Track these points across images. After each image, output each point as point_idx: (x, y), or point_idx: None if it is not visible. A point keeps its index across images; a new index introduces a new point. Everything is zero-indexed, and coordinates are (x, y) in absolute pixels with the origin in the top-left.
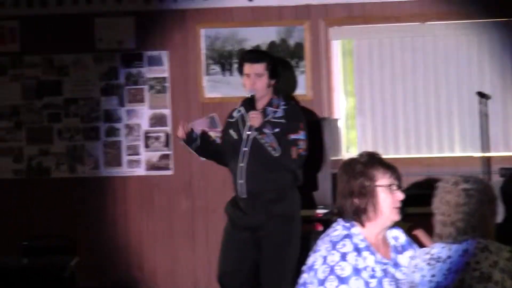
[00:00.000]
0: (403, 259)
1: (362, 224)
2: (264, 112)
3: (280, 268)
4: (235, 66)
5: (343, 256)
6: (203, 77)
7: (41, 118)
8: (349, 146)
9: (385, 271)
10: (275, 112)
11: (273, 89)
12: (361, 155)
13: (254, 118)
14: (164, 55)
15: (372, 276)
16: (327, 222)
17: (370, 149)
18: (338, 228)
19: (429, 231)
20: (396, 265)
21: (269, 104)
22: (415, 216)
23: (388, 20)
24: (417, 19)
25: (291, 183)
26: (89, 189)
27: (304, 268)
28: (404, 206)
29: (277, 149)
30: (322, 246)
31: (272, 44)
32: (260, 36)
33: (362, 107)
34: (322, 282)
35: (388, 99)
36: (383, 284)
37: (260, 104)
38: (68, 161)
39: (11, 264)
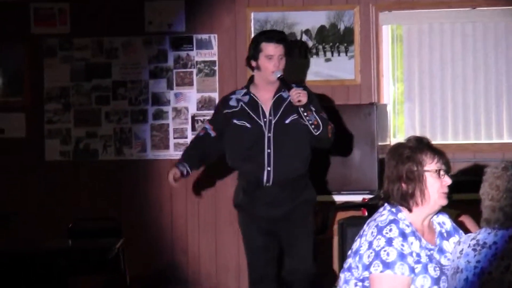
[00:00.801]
0: (449, 245)
1: (409, 209)
2: (280, 96)
3: (308, 252)
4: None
5: (389, 241)
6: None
7: (89, 100)
8: (396, 132)
9: (430, 257)
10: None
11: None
12: (409, 139)
13: (302, 95)
14: (213, 38)
15: (417, 262)
16: (373, 207)
17: (417, 134)
18: (385, 213)
19: (476, 218)
20: (441, 251)
21: (281, 89)
22: (462, 202)
23: (438, 6)
24: (467, 4)
25: (308, 169)
26: (136, 172)
27: (349, 252)
28: (451, 192)
29: (320, 126)
30: (368, 231)
31: (321, 28)
32: (310, 20)
33: (410, 93)
34: (367, 267)
35: (436, 85)
36: (428, 269)
37: (272, 88)
38: (116, 143)
39: (57, 246)
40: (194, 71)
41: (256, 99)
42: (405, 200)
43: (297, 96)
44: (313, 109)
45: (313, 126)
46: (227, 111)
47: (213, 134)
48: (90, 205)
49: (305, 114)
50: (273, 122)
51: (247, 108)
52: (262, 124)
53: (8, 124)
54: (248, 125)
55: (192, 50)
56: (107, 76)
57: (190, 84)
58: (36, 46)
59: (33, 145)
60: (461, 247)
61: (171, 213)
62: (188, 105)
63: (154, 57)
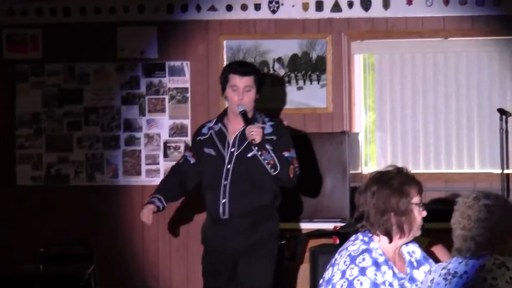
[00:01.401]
0: (419, 274)
1: (390, 240)
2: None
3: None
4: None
5: (362, 271)
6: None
7: (61, 126)
8: (368, 160)
9: (401, 286)
10: (262, 128)
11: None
12: (395, 170)
13: (255, 133)
14: (186, 65)
15: None
16: (344, 235)
17: (388, 163)
18: (357, 243)
19: (447, 246)
20: (412, 279)
21: (254, 120)
22: (434, 231)
23: (411, 36)
24: (439, 34)
25: (273, 201)
26: (108, 197)
27: (321, 281)
28: (423, 221)
29: (277, 166)
30: (340, 260)
31: (294, 56)
32: (282, 48)
33: (382, 122)
34: None
35: (408, 114)
36: None
37: (241, 120)
38: (87, 169)
39: (28, 271)
40: (167, 97)
41: (224, 130)
42: (391, 232)
43: (251, 134)
44: (269, 148)
45: (269, 166)
46: (199, 138)
47: (192, 160)
48: (62, 230)
49: (260, 153)
50: (234, 154)
51: (215, 137)
52: (225, 154)
53: None
54: (213, 153)
55: (165, 76)
56: (79, 102)
57: (162, 110)
58: (8, 71)
59: (5, 170)
60: (432, 276)
61: (143, 239)
62: (160, 131)
63: (126, 83)
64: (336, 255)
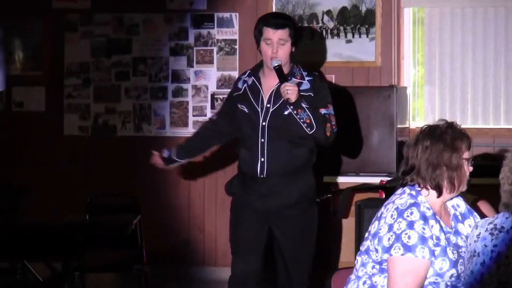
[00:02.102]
0: (464, 227)
1: (440, 195)
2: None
3: (301, 258)
4: (306, 31)
5: (410, 224)
6: None
7: (109, 76)
8: (415, 115)
9: (448, 240)
10: (300, 84)
11: (291, 58)
12: (446, 125)
13: (291, 92)
14: (235, 17)
15: (437, 245)
16: (391, 190)
17: (436, 118)
18: (404, 197)
19: (493, 203)
20: (457, 233)
21: (291, 74)
22: (480, 187)
23: None
24: None
25: (310, 160)
26: (155, 148)
27: (366, 235)
28: (470, 177)
29: (313, 125)
30: (387, 214)
31: (343, 9)
32: (331, 1)
33: (430, 76)
34: (387, 249)
35: (457, 68)
36: (447, 252)
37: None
38: (135, 120)
39: (74, 221)
40: (215, 49)
41: (258, 84)
42: (441, 186)
43: (286, 93)
44: (305, 106)
45: (305, 125)
46: (236, 93)
47: (214, 117)
48: (108, 181)
49: (295, 112)
50: (270, 110)
51: (248, 92)
52: (259, 110)
53: (28, 97)
54: (246, 110)
55: (213, 28)
56: (128, 52)
57: (210, 62)
58: (57, 21)
59: (52, 119)
60: (478, 231)
61: (189, 191)
62: (208, 83)
63: (175, 34)
64: (382, 208)
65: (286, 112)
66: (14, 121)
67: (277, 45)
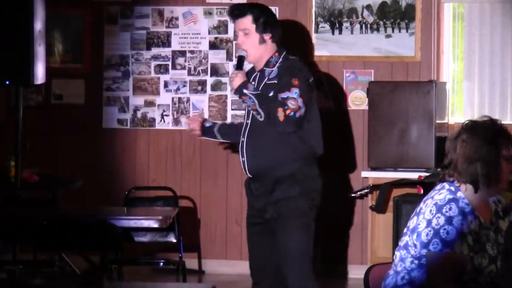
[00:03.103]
0: (504, 224)
1: (476, 190)
2: (263, 74)
3: (286, 257)
4: (345, 25)
5: (449, 220)
6: (312, 35)
7: (149, 69)
8: (454, 110)
9: (487, 236)
10: (271, 72)
11: (274, 46)
12: (489, 121)
13: (232, 79)
14: (275, 10)
15: (476, 241)
16: (429, 185)
17: (476, 114)
18: (443, 192)
19: None
20: (497, 229)
21: (267, 64)
22: None
23: None
24: None
25: (298, 157)
26: (193, 142)
27: (405, 230)
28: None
29: (260, 112)
30: (425, 209)
31: (383, 4)
32: None
33: (470, 72)
34: (425, 245)
35: (497, 64)
36: (486, 248)
37: (259, 65)
38: (173, 113)
39: (114, 212)
40: None
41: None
42: (477, 181)
43: (231, 80)
44: (252, 92)
45: (255, 112)
46: None
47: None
48: (146, 174)
49: (241, 100)
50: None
51: None
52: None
53: (67, 90)
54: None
55: None
56: (167, 45)
57: None
58: (97, 13)
59: (92, 111)
60: None
61: (226, 184)
62: None
63: (214, 27)
64: (421, 204)
65: None
66: (53, 114)
67: (241, 35)
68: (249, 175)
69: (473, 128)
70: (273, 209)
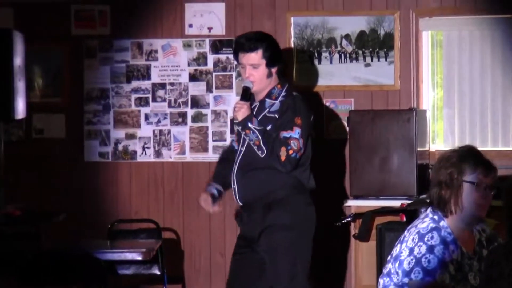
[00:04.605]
0: None
1: (445, 216)
2: (263, 105)
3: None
4: (324, 55)
5: (430, 249)
6: (293, 65)
7: (129, 102)
8: (435, 137)
9: (470, 266)
10: (272, 105)
11: (277, 77)
12: (462, 147)
13: (238, 110)
14: None
15: (458, 270)
16: (411, 213)
17: (456, 141)
18: (426, 220)
19: None
20: (481, 259)
21: (268, 95)
22: (501, 209)
23: (479, 13)
24: (508, 12)
25: (292, 188)
26: (175, 174)
27: (389, 258)
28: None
29: (263, 148)
30: (408, 237)
31: (362, 33)
32: (350, 25)
33: (449, 99)
34: (407, 273)
35: (476, 91)
36: (468, 278)
37: (261, 95)
38: (155, 145)
39: (97, 246)
40: (234, 74)
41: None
42: (441, 206)
43: (235, 111)
44: (257, 127)
45: (256, 147)
46: None
47: (235, 146)
48: (129, 206)
49: (244, 133)
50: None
51: None
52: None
53: (48, 124)
54: (235, 139)
55: (232, 53)
56: (147, 78)
57: (229, 87)
58: (77, 48)
59: (73, 145)
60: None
61: (209, 215)
62: (227, 108)
63: (193, 59)
64: (405, 232)
65: None
66: (34, 148)
67: (249, 69)
68: (240, 203)
69: (444, 154)
70: (264, 239)
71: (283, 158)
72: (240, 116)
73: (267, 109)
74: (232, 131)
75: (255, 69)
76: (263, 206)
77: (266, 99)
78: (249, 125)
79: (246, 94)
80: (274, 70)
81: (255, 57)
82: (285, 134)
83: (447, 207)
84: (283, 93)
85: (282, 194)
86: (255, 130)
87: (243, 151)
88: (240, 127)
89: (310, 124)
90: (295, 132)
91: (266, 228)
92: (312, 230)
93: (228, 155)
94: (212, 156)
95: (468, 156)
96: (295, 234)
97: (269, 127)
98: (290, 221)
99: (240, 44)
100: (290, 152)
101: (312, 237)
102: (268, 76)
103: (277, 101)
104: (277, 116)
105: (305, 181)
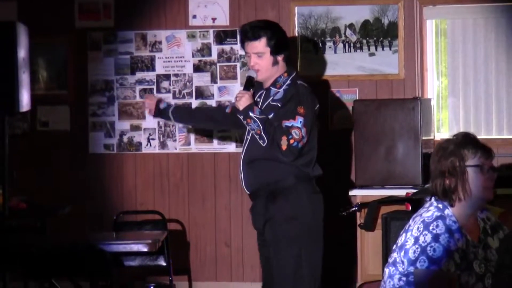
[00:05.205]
0: (493, 241)
1: (452, 204)
2: (268, 93)
3: (278, 277)
4: (328, 44)
5: (436, 237)
6: (297, 55)
7: (134, 93)
8: (440, 126)
9: (475, 254)
10: (276, 93)
11: (284, 65)
12: (456, 135)
13: (239, 99)
14: None
15: (463, 258)
16: (417, 202)
17: (461, 129)
18: (431, 209)
19: None
20: (486, 247)
21: (274, 83)
22: (507, 197)
23: (483, 1)
24: None
25: (296, 177)
26: (180, 165)
27: (394, 247)
28: (495, 187)
29: (264, 138)
30: (413, 226)
31: (365, 22)
32: (354, 14)
33: (454, 87)
34: (412, 262)
35: (481, 79)
36: (473, 266)
37: (267, 83)
38: (159, 137)
39: (102, 239)
40: (238, 64)
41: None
42: (448, 195)
43: (237, 100)
44: (258, 116)
45: (257, 136)
46: None
47: (228, 109)
48: (134, 198)
49: (245, 122)
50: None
51: None
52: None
53: (53, 117)
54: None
55: (236, 44)
56: (151, 69)
57: (234, 77)
58: (81, 40)
59: (77, 138)
60: (507, 244)
61: (215, 206)
62: (232, 98)
63: (198, 50)
64: (410, 221)
65: None
66: (39, 141)
67: (254, 57)
68: (247, 191)
69: (439, 145)
70: (269, 229)
71: (284, 147)
72: (242, 105)
73: (271, 97)
74: None
75: (260, 58)
76: (267, 195)
77: (271, 88)
78: (250, 114)
79: (249, 84)
80: (280, 58)
81: (258, 46)
82: (287, 123)
83: (455, 195)
84: (288, 82)
85: (285, 184)
86: (256, 119)
87: (248, 139)
88: (242, 116)
89: (315, 113)
90: (297, 121)
91: (269, 220)
92: (319, 220)
93: (213, 112)
94: (217, 147)
95: (465, 142)
96: (298, 226)
97: (271, 116)
98: (292, 213)
99: (245, 32)
100: (291, 141)
101: (320, 227)
102: (273, 64)
103: (281, 90)
104: (279, 105)
105: (309, 170)
